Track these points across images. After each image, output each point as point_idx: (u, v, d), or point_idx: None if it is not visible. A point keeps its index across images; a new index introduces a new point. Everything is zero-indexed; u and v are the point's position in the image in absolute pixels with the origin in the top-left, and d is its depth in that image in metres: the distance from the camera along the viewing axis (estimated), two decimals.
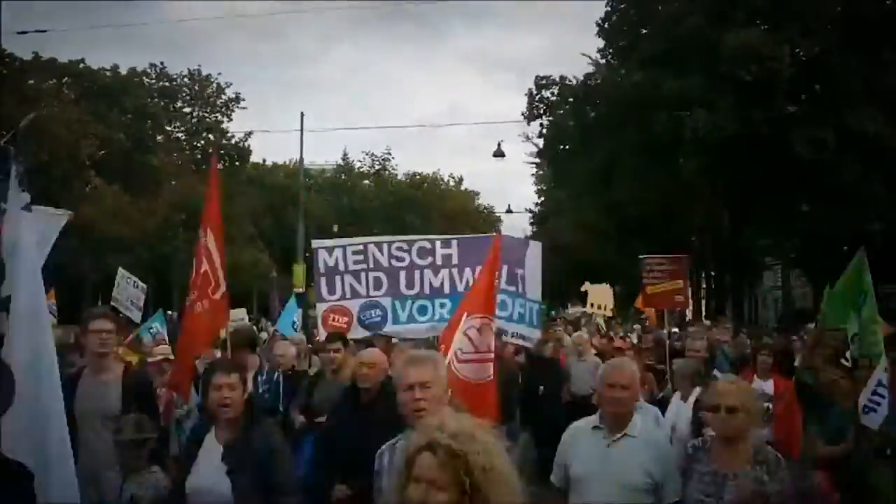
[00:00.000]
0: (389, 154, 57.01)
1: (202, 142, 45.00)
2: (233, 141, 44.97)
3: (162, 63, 43.62)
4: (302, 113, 39.66)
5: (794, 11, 21.86)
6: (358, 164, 57.22)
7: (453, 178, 58.64)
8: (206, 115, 44.99)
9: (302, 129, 38.49)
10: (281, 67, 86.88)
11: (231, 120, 45.06)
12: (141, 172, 37.12)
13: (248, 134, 45.49)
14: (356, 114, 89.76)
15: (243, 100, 44.99)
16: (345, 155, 56.22)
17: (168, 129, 43.54)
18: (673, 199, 27.32)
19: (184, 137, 44.73)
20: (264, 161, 50.65)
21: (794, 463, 5.96)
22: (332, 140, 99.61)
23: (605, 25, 27.26)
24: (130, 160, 36.95)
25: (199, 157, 44.07)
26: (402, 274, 9.01)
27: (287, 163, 51.39)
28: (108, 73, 38.94)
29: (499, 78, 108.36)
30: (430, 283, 8.99)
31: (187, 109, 44.94)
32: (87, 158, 31.45)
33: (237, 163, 45.53)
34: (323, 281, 9.12)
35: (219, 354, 7.56)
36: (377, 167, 57.41)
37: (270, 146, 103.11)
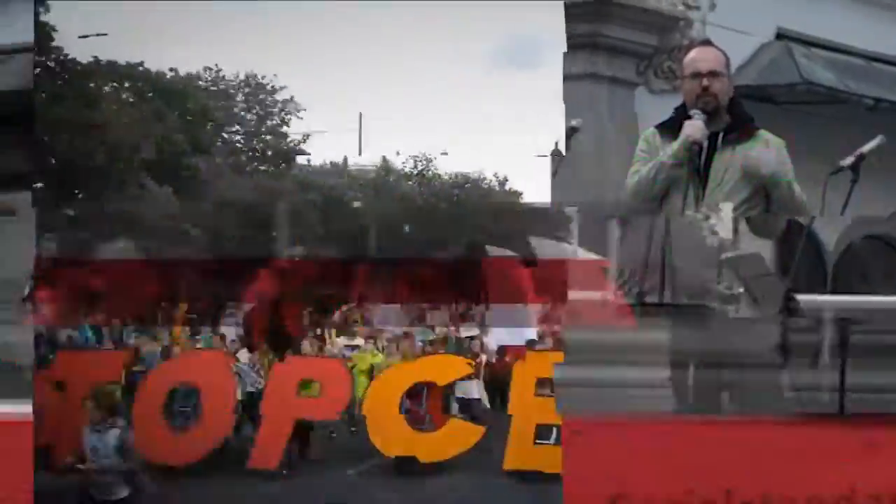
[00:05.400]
0: (431, 154, 57.37)
1: (260, 144, 45.72)
2: (290, 143, 45.61)
3: (217, 65, 44.38)
4: (360, 114, 39.72)
5: None
6: (401, 165, 57.78)
7: (497, 177, 58.64)
8: (263, 116, 45.41)
9: (360, 131, 38.64)
10: (336, 66, 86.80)
11: (288, 125, 45.13)
12: (194, 175, 37.59)
13: (306, 136, 45.61)
14: (405, 114, 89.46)
15: (302, 108, 44.59)
16: (384, 158, 56.74)
17: (225, 133, 43.91)
18: None
19: (241, 140, 45.14)
20: (309, 162, 51.32)
21: None
22: (380, 140, 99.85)
23: None
24: (184, 163, 37.41)
25: (256, 156, 44.55)
26: None
27: (332, 164, 51.98)
28: (166, 76, 39.48)
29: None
30: None
31: (245, 114, 45.16)
32: (143, 161, 32.11)
33: (284, 164, 45.87)
34: None
35: None
36: (420, 167, 57.91)
37: (317, 145, 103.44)
